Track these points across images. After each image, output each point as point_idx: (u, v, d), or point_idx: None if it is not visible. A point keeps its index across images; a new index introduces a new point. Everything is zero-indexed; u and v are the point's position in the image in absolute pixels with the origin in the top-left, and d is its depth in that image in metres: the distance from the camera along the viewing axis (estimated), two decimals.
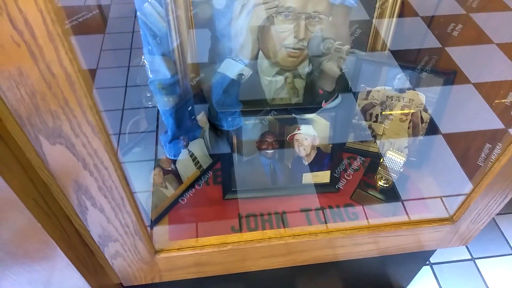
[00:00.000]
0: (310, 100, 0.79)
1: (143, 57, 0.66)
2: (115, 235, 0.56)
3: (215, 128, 0.83)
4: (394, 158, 0.77)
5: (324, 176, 0.83)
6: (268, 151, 0.80)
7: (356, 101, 0.85)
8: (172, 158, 0.77)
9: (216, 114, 0.80)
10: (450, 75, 0.78)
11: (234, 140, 0.79)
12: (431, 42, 0.86)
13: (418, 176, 0.86)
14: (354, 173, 0.87)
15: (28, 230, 0.48)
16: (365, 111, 0.86)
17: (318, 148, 0.80)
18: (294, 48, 0.73)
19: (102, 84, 0.94)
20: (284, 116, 0.77)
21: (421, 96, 0.82)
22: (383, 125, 0.86)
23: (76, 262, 0.56)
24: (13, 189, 0.42)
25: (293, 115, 0.77)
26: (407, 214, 0.79)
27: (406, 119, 0.84)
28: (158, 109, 0.73)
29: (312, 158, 0.81)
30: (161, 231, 0.75)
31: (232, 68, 0.73)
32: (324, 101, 0.77)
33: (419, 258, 0.95)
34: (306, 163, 0.81)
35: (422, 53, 0.88)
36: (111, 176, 0.46)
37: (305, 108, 0.78)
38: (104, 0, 0.95)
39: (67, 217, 0.54)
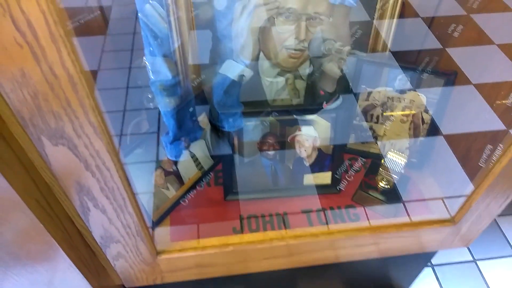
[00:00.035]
0: (311, 101, 0.79)
1: (144, 58, 0.67)
2: (117, 236, 0.56)
3: (216, 129, 0.83)
4: (395, 159, 0.77)
5: (325, 177, 0.83)
6: (269, 152, 0.80)
7: (357, 102, 0.85)
8: (174, 159, 0.77)
9: (217, 115, 0.80)
10: (451, 76, 0.78)
11: (235, 141, 0.79)
12: (432, 43, 0.86)
13: (419, 177, 0.86)
14: (355, 174, 0.87)
15: (30, 231, 0.48)
16: (366, 112, 0.86)
17: (319, 149, 0.80)
18: (295, 49, 0.73)
19: (103, 86, 0.94)
20: (285, 117, 0.77)
21: (422, 97, 0.82)
22: (384, 126, 0.86)
23: (78, 263, 0.56)
24: (16, 190, 0.42)
25: (294, 116, 0.77)
26: (408, 215, 0.79)
27: (407, 120, 0.84)
28: (159, 110, 0.73)
29: (313, 159, 0.81)
30: (163, 232, 0.75)
31: (233, 69, 0.73)
32: (325, 102, 0.77)
33: (420, 260, 0.94)
34: (307, 164, 0.81)
35: (422, 54, 0.88)
36: (113, 177, 0.46)
37: (306, 109, 0.78)
38: (106, 1, 0.95)
39: (69, 218, 0.54)
